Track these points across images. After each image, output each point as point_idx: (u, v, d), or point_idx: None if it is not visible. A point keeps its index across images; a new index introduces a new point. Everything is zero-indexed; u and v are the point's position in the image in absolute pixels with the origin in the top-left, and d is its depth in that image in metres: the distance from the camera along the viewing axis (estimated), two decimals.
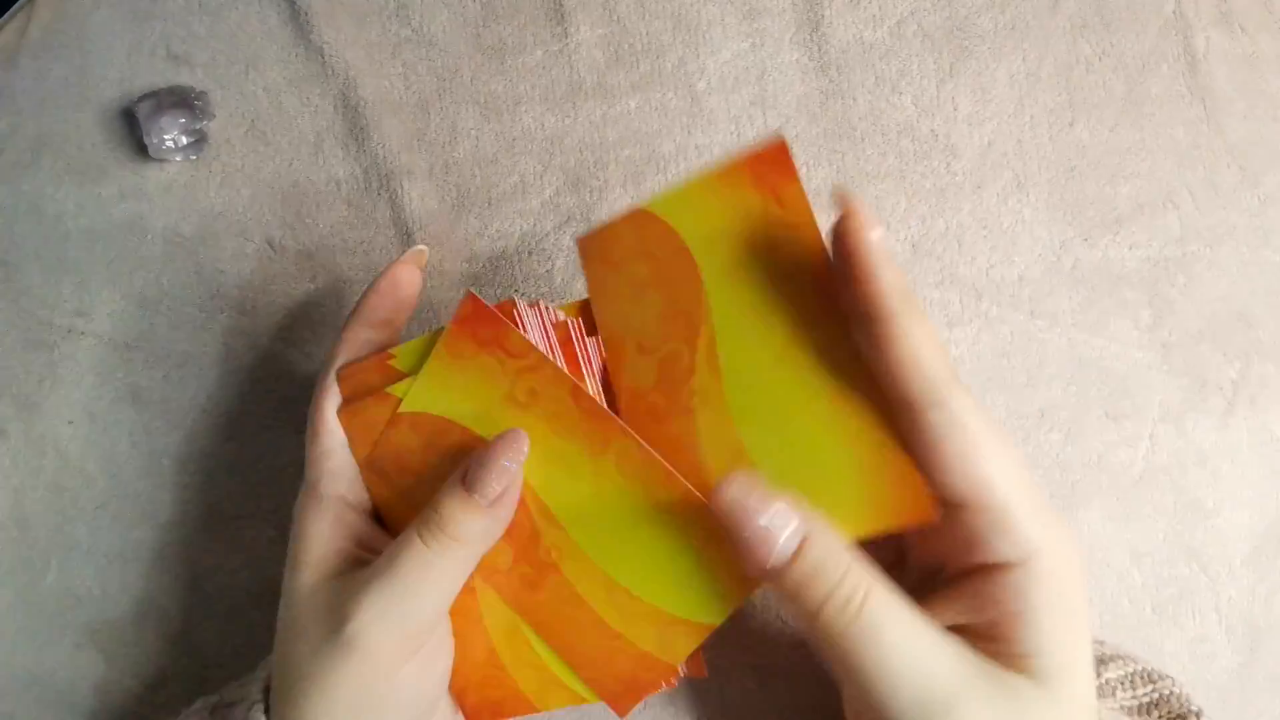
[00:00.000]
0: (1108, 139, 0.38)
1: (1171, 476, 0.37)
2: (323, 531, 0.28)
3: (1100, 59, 0.39)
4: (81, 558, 0.38)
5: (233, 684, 0.32)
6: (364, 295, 0.31)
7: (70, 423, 0.38)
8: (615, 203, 0.38)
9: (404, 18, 0.39)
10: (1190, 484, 0.37)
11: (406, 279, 0.31)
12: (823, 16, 0.39)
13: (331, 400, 0.30)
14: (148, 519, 0.38)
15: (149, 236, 0.39)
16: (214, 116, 0.39)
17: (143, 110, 0.38)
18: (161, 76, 0.40)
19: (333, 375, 0.30)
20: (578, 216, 0.39)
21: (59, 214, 0.39)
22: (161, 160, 0.39)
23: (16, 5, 0.40)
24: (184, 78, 0.39)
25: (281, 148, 0.39)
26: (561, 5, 0.39)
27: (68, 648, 0.37)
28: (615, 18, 0.39)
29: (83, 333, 0.39)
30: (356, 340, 0.30)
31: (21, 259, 0.39)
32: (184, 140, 0.38)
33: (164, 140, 0.38)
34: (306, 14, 0.39)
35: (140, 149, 0.39)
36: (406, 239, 0.39)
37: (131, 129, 0.39)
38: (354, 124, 0.39)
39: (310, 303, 0.39)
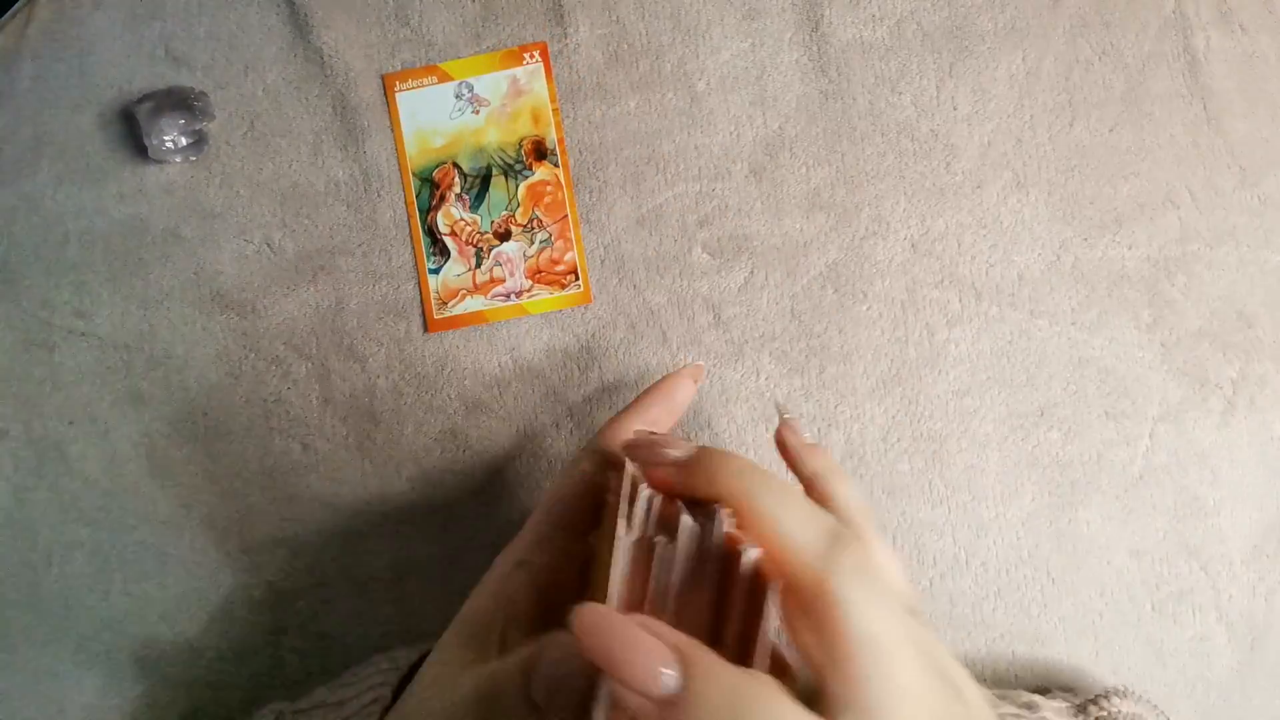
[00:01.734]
0: (1108, 139, 0.38)
1: (1171, 475, 0.37)
2: (496, 587, 0.28)
3: (1100, 59, 0.38)
4: (83, 559, 0.38)
5: (320, 691, 0.32)
6: (644, 392, 0.33)
7: (71, 423, 0.38)
8: (615, 203, 0.39)
9: (404, 18, 0.39)
10: (1190, 483, 0.37)
11: (683, 390, 0.33)
12: (823, 16, 0.39)
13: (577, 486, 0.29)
14: (149, 520, 0.38)
15: (149, 237, 0.39)
16: (214, 117, 0.39)
17: (142, 111, 0.38)
18: (161, 77, 0.39)
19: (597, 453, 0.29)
20: (578, 217, 0.39)
21: (59, 214, 0.39)
22: (161, 161, 0.39)
23: (16, 5, 0.40)
24: (184, 79, 0.39)
25: (281, 149, 0.39)
26: (561, 5, 0.39)
27: (69, 648, 0.38)
28: (615, 18, 0.39)
29: (83, 333, 0.39)
30: (626, 428, 0.30)
31: (21, 259, 0.39)
32: (184, 141, 0.38)
33: (164, 141, 0.38)
34: (306, 14, 0.39)
35: (140, 150, 0.39)
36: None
37: (131, 130, 0.39)
38: (353, 125, 0.39)
39: (310, 303, 0.39)
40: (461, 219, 0.39)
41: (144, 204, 0.39)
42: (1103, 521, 0.37)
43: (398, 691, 0.31)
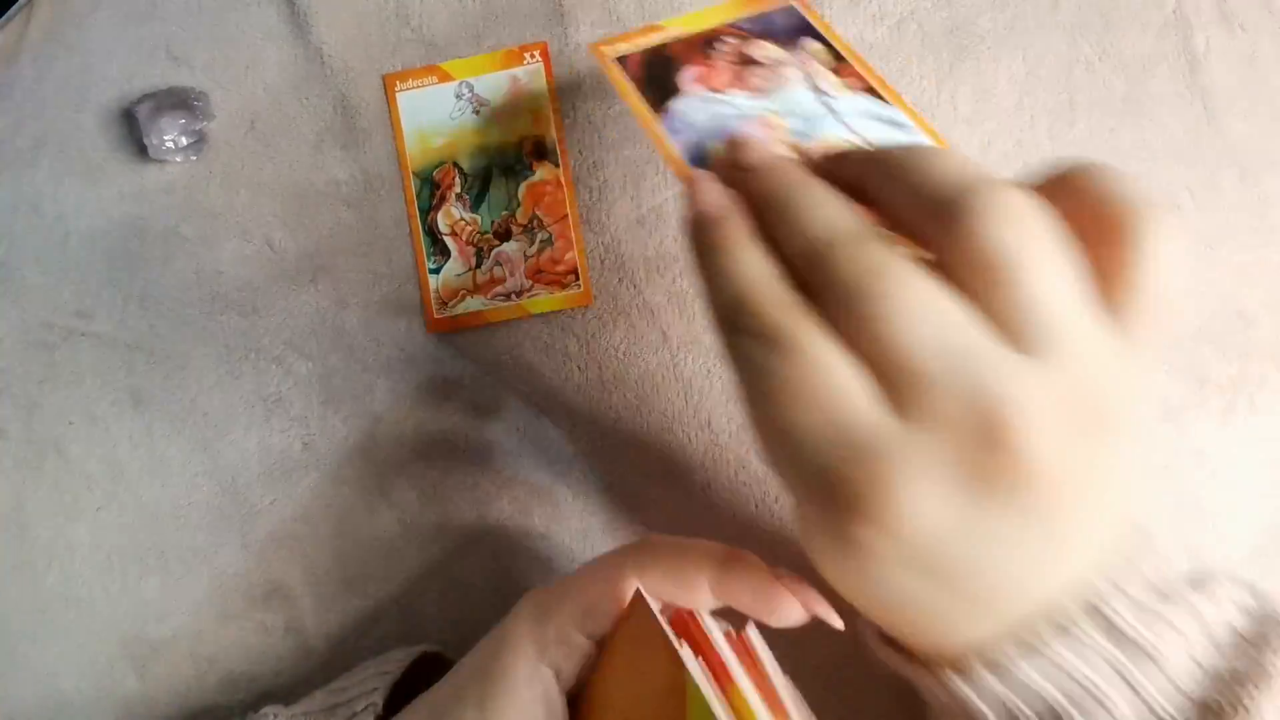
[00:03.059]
0: (1108, 139, 0.38)
1: (1171, 475, 0.37)
2: (524, 694, 0.25)
3: (1100, 59, 0.38)
4: (83, 558, 0.38)
5: (317, 695, 0.32)
6: (725, 559, 0.26)
7: (71, 423, 0.38)
8: (615, 203, 0.38)
9: (404, 18, 0.39)
10: (1190, 483, 0.37)
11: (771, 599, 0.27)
12: (822, 16, 0.39)
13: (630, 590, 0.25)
14: (148, 520, 0.38)
15: (149, 237, 0.39)
16: (214, 117, 0.39)
17: (142, 111, 0.38)
18: (161, 77, 0.39)
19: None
20: (578, 217, 0.39)
21: (59, 214, 0.39)
22: (161, 161, 0.39)
23: (16, 5, 0.40)
24: (184, 78, 0.39)
25: (281, 148, 0.39)
26: (561, 5, 0.39)
27: (69, 648, 0.38)
28: (615, 18, 0.39)
29: (83, 333, 0.39)
30: (673, 575, 0.26)
31: (21, 259, 0.39)
32: (184, 141, 0.38)
33: (164, 141, 0.38)
34: (306, 14, 0.39)
35: (140, 150, 0.39)
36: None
37: (131, 129, 0.39)
38: (353, 125, 0.39)
39: (310, 303, 0.39)
40: (462, 219, 0.39)
41: (144, 204, 0.39)
42: None
43: (390, 698, 0.30)
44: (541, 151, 0.39)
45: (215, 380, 0.38)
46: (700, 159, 0.26)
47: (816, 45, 0.30)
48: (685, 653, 0.23)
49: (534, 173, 0.39)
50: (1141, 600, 0.23)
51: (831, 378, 0.20)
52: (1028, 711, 0.23)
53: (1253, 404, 0.37)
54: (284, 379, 0.38)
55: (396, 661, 0.32)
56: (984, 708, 0.23)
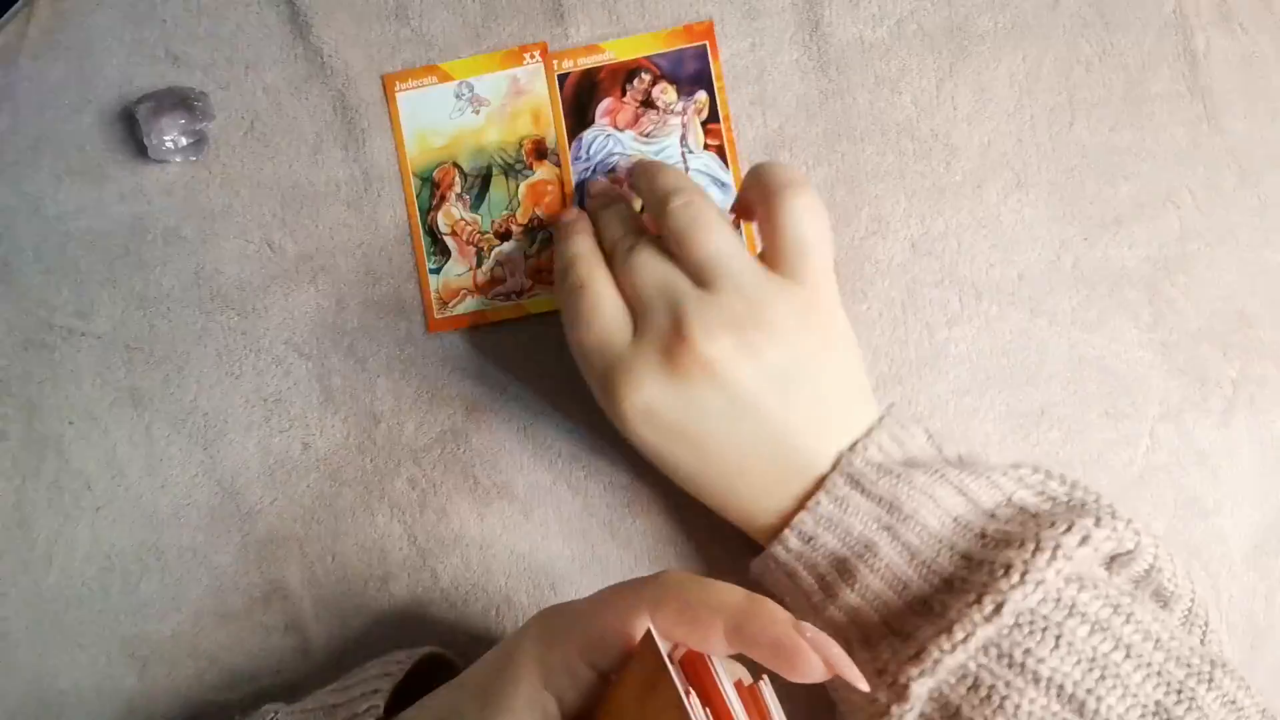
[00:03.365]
0: (1108, 139, 0.38)
1: (1171, 475, 0.37)
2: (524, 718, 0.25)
3: (1100, 58, 0.39)
4: (83, 559, 0.38)
5: (319, 694, 0.32)
6: (738, 609, 0.25)
7: (70, 423, 0.39)
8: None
9: (404, 18, 0.39)
10: (1190, 483, 0.37)
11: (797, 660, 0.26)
12: (823, 16, 0.39)
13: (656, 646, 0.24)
14: (149, 520, 0.38)
15: (149, 237, 0.39)
16: (214, 117, 0.39)
17: (143, 111, 0.38)
18: (161, 77, 0.40)
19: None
20: None
21: (59, 214, 0.39)
22: (161, 161, 0.39)
23: (16, 5, 0.40)
24: (184, 78, 0.39)
25: (281, 148, 0.39)
26: (561, 5, 0.39)
27: (69, 648, 0.38)
28: (615, 18, 0.39)
29: (83, 333, 0.39)
30: (699, 628, 0.25)
31: (21, 259, 0.39)
32: (184, 141, 0.38)
33: (164, 141, 0.38)
34: (306, 14, 0.39)
35: (140, 150, 0.39)
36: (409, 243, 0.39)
37: (131, 130, 0.39)
38: (353, 125, 0.39)
39: (310, 303, 0.39)
40: (462, 219, 0.39)
41: (144, 204, 0.39)
42: None
43: (391, 701, 0.30)
44: (541, 151, 0.39)
45: (215, 380, 0.38)
46: (582, 184, 0.39)
47: (704, 98, 0.38)
48: (691, 702, 0.22)
49: (534, 173, 0.39)
50: (890, 467, 0.31)
51: (606, 311, 0.32)
52: (821, 560, 0.30)
53: (1253, 404, 0.37)
54: (284, 379, 0.38)
55: (399, 663, 0.32)
56: (794, 563, 0.31)
